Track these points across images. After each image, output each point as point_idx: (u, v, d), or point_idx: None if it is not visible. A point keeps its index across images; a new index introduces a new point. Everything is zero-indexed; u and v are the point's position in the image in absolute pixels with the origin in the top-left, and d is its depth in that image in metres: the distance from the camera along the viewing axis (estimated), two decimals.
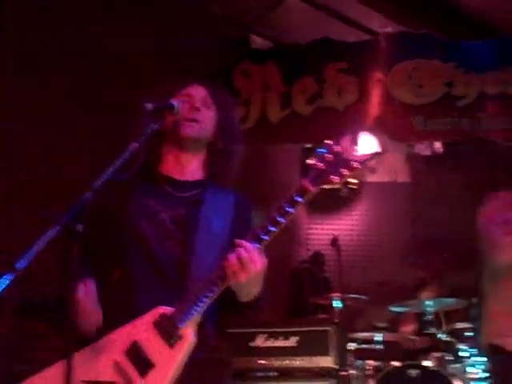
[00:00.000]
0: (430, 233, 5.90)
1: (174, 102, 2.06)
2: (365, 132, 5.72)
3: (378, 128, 5.67)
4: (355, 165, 1.86)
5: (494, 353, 3.09)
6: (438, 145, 5.89)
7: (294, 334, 4.50)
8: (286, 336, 4.49)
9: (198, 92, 2.21)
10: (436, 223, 5.88)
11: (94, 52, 4.71)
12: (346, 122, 5.69)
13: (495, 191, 3.21)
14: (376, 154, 1.86)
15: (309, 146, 5.77)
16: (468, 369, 4.53)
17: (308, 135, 5.74)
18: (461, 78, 5.81)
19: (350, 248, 5.97)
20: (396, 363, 4.52)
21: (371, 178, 6.03)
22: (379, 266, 5.75)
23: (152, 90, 2.21)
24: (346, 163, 1.87)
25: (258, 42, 6.46)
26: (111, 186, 2.07)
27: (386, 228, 5.91)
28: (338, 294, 4.82)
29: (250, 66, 6.05)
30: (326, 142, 1.90)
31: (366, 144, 5.97)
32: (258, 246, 1.91)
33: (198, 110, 2.16)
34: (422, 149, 5.94)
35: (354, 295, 4.85)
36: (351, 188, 1.89)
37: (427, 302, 4.80)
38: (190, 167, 2.19)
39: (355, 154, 1.86)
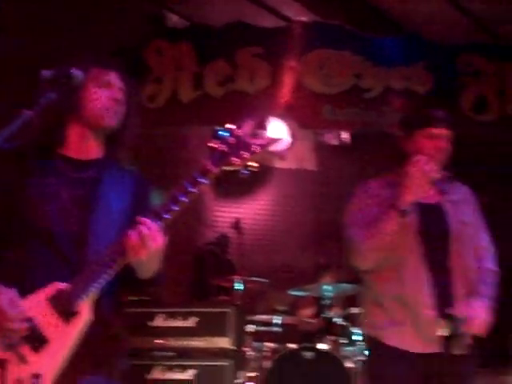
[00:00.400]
0: (333, 220, 6.02)
1: (75, 71, 2.00)
2: (275, 118, 5.81)
3: (288, 115, 5.76)
4: (255, 148, 1.91)
5: (370, 344, 2.91)
6: (345, 135, 6.03)
7: (193, 314, 4.56)
8: (185, 316, 4.53)
9: (117, 82, 2.17)
10: (340, 212, 6.01)
11: None
12: (257, 107, 5.74)
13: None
14: (278, 140, 1.92)
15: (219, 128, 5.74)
16: (361, 352, 4.72)
17: (219, 117, 5.73)
18: (369, 71, 5.98)
19: (255, 232, 6.04)
20: (292, 345, 4.64)
21: (279, 165, 6.09)
22: (282, 250, 5.84)
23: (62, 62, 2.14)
24: (247, 146, 1.91)
25: (173, 20, 6.38)
26: (7, 161, 2.03)
27: (291, 214, 5.99)
28: (239, 277, 4.89)
29: (163, 44, 5.98)
30: (228, 126, 1.93)
31: (276, 130, 6.04)
32: (159, 223, 1.93)
33: (118, 101, 2.14)
34: (330, 138, 6.06)
35: (255, 278, 4.93)
36: (252, 171, 1.94)
37: (325, 287, 4.94)
38: (91, 147, 2.17)
39: (257, 138, 1.91)
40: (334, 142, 6.01)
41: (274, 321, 4.85)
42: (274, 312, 4.94)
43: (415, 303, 2.69)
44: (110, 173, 2.15)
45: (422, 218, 2.71)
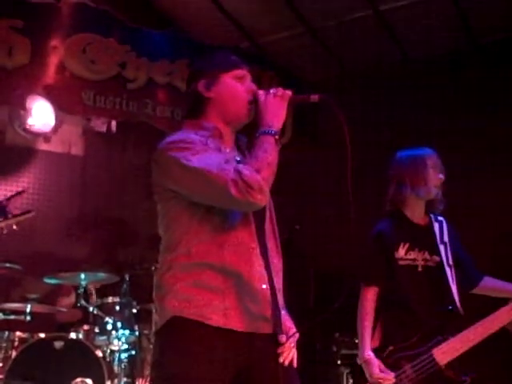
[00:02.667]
0: (96, 208, 5.96)
1: None
2: (40, 98, 5.50)
3: (48, 97, 5.53)
4: (10, 216, 2.34)
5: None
6: (113, 123, 5.99)
7: None
8: None
9: None
10: (103, 200, 5.96)
11: None
12: (16, 84, 5.43)
13: None
14: (27, 213, 2.16)
15: None
16: (113, 341, 4.76)
17: None
18: (132, 62, 6.00)
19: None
20: (42, 335, 4.50)
21: (43, 147, 5.83)
22: (41, 236, 5.60)
23: None
24: (4, 213, 2.24)
25: None
26: None
27: (54, 198, 5.76)
28: None
29: None
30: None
31: (42, 110, 5.72)
32: None
33: None
34: (98, 125, 5.97)
35: (7, 264, 4.68)
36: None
37: (82, 276, 4.87)
38: None
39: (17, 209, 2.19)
40: (102, 128, 5.93)
41: (26, 309, 4.65)
42: (26, 300, 4.73)
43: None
44: None
45: None
